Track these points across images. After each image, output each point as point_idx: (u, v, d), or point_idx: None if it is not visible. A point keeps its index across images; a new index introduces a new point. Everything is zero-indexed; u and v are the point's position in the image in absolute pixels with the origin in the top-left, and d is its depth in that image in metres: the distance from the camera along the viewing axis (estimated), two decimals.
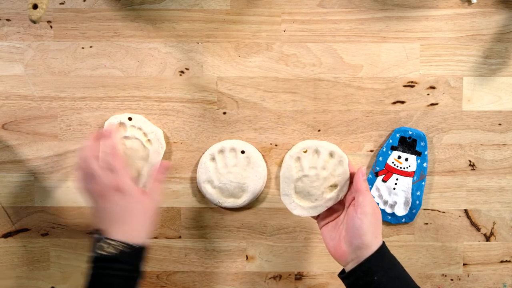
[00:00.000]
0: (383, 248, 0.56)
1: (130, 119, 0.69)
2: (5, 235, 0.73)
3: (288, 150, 0.71)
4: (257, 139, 0.71)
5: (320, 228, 0.62)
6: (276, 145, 0.71)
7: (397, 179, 0.71)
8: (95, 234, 0.58)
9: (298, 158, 0.62)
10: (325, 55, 0.70)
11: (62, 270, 0.73)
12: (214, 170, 0.70)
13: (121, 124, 0.69)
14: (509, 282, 0.73)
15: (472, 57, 0.70)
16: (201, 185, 0.70)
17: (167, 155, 0.71)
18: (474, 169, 0.72)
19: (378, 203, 0.71)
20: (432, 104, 0.71)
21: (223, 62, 0.71)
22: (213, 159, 0.70)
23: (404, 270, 0.57)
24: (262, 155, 0.71)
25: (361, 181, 0.58)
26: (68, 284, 0.73)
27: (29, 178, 0.72)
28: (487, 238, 0.72)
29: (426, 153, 0.70)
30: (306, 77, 0.71)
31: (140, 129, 0.69)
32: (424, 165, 0.70)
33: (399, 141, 0.70)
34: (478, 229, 0.72)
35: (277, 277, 0.73)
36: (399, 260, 0.72)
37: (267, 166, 0.71)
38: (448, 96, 0.71)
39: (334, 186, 0.62)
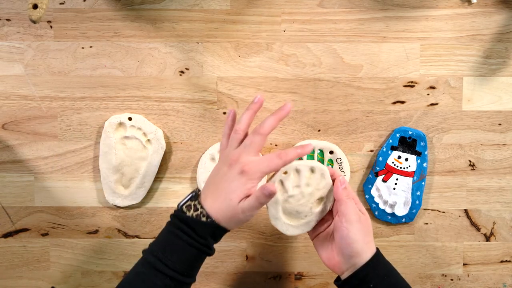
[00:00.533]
0: (377, 255, 0.56)
1: (130, 119, 0.69)
2: (5, 235, 0.73)
3: None
4: None
5: (312, 240, 0.61)
6: (276, 145, 0.71)
7: (397, 179, 0.71)
8: (195, 194, 0.56)
9: (280, 181, 0.60)
10: (325, 55, 0.70)
11: (62, 270, 0.73)
12: None
13: (121, 124, 0.69)
14: (509, 282, 0.73)
15: (472, 57, 0.70)
16: (201, 185, 0.70)
17: (167, 155, 0.71)
18: (474, 169, 0.72)
19: (378, 203, 0.71)
20: (432, 104, 0.71)
21: (223, 62, 0.71)
22: (213, 159, 0.70)
23: (401, 277, 0.57)
24: (262, 155, 0.71)
25: (339, 190, 0.57)
26: (68, 284, 0.73)
27: (29, 178, 0.72)
28: (487, 238, 0.72)
29: (426, 153, 0.70)
30: (306, 77, 0.71)
31: (140, 129, 0.69)
32: (424, 165, 0.70)
33: (399, 141, 0.70)
34: (478, 229, 0.72)
35: (277, 277, 0.73)
36: (399, 260, 0.72)
37: None
38: (448, 96, 0.71)
39: (321, 199, 0.61)
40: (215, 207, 0.55)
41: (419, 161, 0.70)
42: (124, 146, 0.68)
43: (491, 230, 0.72)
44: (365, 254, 0.55)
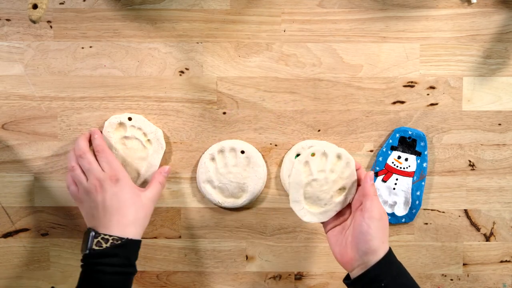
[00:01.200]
0: (390, 254, 0.56)
1: (130, 119, 0.69)
2: (5, 235, 0.73)
3: (288, 150, 0.71)
4: (257, 139, 0.71)
5: (326, 232, 0.61)
6: (276, 145, 0.71)
7: (397, 179, 0.71)
8: (87, 233, 0.59)
9: (307, 162, 0.60)
10: (325, 55, 0.70)
11: (62, 270, 0.73)
12: (214, 170, 0.70)
13: (121, 124, 0.69)
14: (509, 282, 0.73)
15: (472, 57, 0.70)
16: (201, 185, 0.70)
17: (167, 155, 0.71)
18: (474, 169, 0.72)
19: None
20: (432, 104, 0.71)
21: (223, 62, 0.71)
22: (213, 159, 0.70)
23: (411, 278, 0.57)
24: (262, 155, 0.71)
25: (369, 185, 0.57)
26: (68, 284, 0.73)
27: (29, 178, 0.72)
28: (487, 238, 0.72)
29: (426, 153, 0.70)
30: (306, 77, 0.71)
31: (140, 129, 0.69)
32: (424, 165, 0.70)
33: (399, 141, 0.70)
34: (478, 229, 0.72)
35: (277, 277, 0.73)
36: (400, 259, 0.72)
37: (267, 166, 0.71)
38: (448, 96, 0.71)
39: (343, 189, 0.61)
40: (123, 222, 0.58)
41: (419, 161, 0.70)
42: (124, 146, 0.68)
43: (491, 230, 0.72)
44: (379, 252, 0.55)
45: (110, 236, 0.57)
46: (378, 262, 0.54)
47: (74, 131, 0.71)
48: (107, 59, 0.70)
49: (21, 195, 0.72)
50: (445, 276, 0.73)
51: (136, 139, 0.68)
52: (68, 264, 0.73)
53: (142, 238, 0.72)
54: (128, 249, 0.58)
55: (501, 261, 0.73)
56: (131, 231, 0.58)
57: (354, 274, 0.56)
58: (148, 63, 0.70)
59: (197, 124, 0.71)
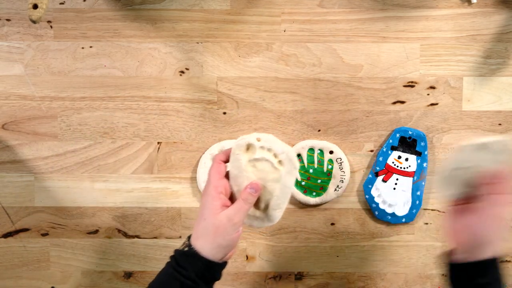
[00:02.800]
0: (497, 261, 0.55)
1: (258, 139, 0.60)
2: (5, 235, 0.73)
3: None
4: None
5: (453, 215, 0.58)
6: None
7: (397, 179, 0.71)
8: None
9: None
10: (325, 55, 0.70)
11: (62, 270, 0.73)
12: None
13: (250, 145, 0.61)
14: (509, 282, 0.73)
15: (472, 57, 0.70)
16: (202, 185, 0.70)
17: (167, 155, 0.71)
18: None
19: (378, 203, 0.71)
20: (432, 104, 0.71)
21: (223, 62, 0.71)
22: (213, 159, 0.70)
23: None
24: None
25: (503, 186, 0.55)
26: (68, 284, 0.73)
27: (29, 178, 0.72)
28: None
29: (426, 153, 0.70)
30: (306, 77, 0.71)
31: (270, 150, 0.61)
32: (424, 165, 0.70)
33: (399, 141, 0.70)
34: None
35: (277, 277, 0.73)
36: (399, 260, 0.72)
37: None
38: (448, 96, 0.71)
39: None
40: (197, 234, 0.55)
41: (419, 161, 0.70)
42: (254, 168, 0.60)
43: None
44: (493, 250, 0.54)
45: (187, 239, 0.56)
46: (488, 259, 0.54)
47: (74, 131, 0.71)
48: (107, 59, 0.70)
49: (21, 195, 0.72)
50: (445, 276, 0.73)
51: (267, 161, 0.60)
52: (68, 264, 0.73)
53: (142, 238, 0.73)
54: (190, 260, 0.55)
55: (501, 261, 0.73)
56: (199, 244, 0.55)
57: (459, 259, 0.55)
58: (148, 63, 0.70)
59: (197, 124, 0.71)
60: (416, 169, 0.70)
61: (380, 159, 0.71)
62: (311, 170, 0.70)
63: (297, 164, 0.60)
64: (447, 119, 0.71)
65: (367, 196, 0.71)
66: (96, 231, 0.73)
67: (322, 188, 0.71)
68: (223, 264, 0.56)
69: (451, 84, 0.71)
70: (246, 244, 0.73)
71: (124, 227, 0.72)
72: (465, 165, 0.55)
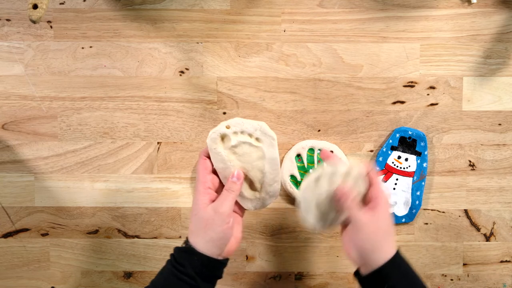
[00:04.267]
0: (395, 258, 0.55)
1: (228, 127, 0.61)
2: (5, 235, 0.73)
3: (288, 150, 0.71)
4: None
5: (341, 232, 0.60)
6: None
7: (397, 179, 0.71)
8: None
9: (317, 179, 0.59)
10: (325, 55, 0.70)
11: (62, 270, 0.73)
12: None
13: (223, 135, 0.61)
14: (509, 282, 0.73)
15: (472, 57, 0.70)
16: None
17: (167, 155, 0.71)
18: (474, 169, 0.72)
19: None
20: (432, 104, 0.71)
21: (223, 62, 0.71)
22: None
23: (419, 281, 0.56)
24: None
25: (345, 204, 0.56)
26: (68, 284, 0.73)
27: (29, 178, 0.72)
28: (487, 238, 0.72)
29: (426, 153, 0.70)
30: (306, 77, 0.71)
31: (243, 132, 0.61)
32: (424, 165, 0.70)
33: (399, 141, 0.70)
34: (478, 229, 0.72)
35: (277, 277, 0.73)
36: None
37: None
38: (448, 96, 0.71)
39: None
40: (191, 231, 0.56)
41: (419, 161, 0.70)
42: (236, 155, 0.61)
43: (491, 230, 0.72)
44: (379, 256, 0.54)
45: (187, 238, 0.57)
46: (382, 266, 0.54)
47: (74, 131, 0.71)
48: (107, 59, 0.70)
49: (21, 195, 0.72)
50: (445, 276, 0.73)
51: (245, 143, 0.61)
52: (68, 264, 0.73)
53: (142, 238, 0.73)
54: (187, 256, 0.55)
55: (501, 261, 0.73)
56: (193, 240, 0.56)
57: (362, 272, 0.56)
58: (148, 63, 0.70)
59: (197, 124, 0.71)
60: (416, 169, 0.70)
61: (380, 159, 0.71)
62: (311, 170, 0.70)
63: (274, 135, 0.61)
64: (447, 119, 0.71)
65: None
66: (96, 231, 0.73)
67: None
68: (222, 261, 0.56)
69: (451, 84, 0.71)
70: (246, 244, 0.73)
71: (124, 227, 0.72)
72: (312, 199, 0.59)
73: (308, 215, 0.59)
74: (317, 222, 0.60)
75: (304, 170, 0.71)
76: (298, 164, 0.71)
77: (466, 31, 0.70)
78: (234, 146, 0.61)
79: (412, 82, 0.71)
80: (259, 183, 0.62)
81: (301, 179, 0.71)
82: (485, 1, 0.70)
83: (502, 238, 0.72)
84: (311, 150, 0.70)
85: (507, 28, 0.70)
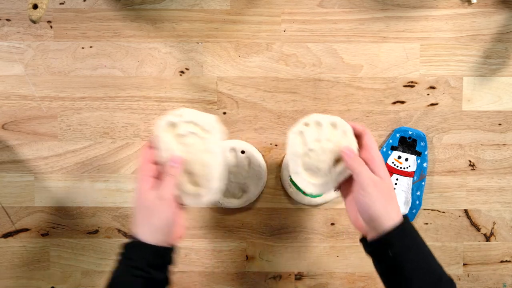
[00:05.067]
0: (403, 225, 0.54)
1: (179, 116, 0.60)
2: (5, 235, 0.73)
3: None
4: (257, 139, 0.71)
5: (344, 199, 0.60)
6: (276, 145, 0.71)
7: (397, 179, 0.71)
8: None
9: (301, 133, 0.59)
10: (325, 55, 0.70)
11: (62, 270, 0.73)
12: None
13: (171, 123, 0.61)
14: (509, 282, 0.73)
15: (472, 57, 0.70)
16: None
17: None
18: (474, 169, 0.72)
19: None
20: (432, 104, 0.71)
21: (223, 62, 0.71)
22: None
23: (427, 251, 0.55)
24: (262, 155, 0.71)
25: (349, 162, 0.56)
26: (68, 284, 0.73)
27: (29, 178, 0.72)
28: (487, 238, 0.72)
29: (426, 153, 0.70)
30: (306, 77, 0.71)
31: (192, 122, 0.61)
32: (424, 165, 0.70)
33: (399, 141, 0.70)
34: (478, 229, 0.72)
35: (277, 277, 0.73)
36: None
37: (267, 166, 0.71)
38: (448, 96, 0.71)
39: (342, 158, 0.59)
40: (135, 223, 0.55)
41: (419, 161, 0.70)
42: (182, 145, 0.61)
43: (491, 230, 0.72)
44: (386, 220, 0.54)
45: (130, 238, 0.56)
46: (387, 233, 0.53)
47: (74, 131, 0.71)
48: (107, 59, 0.70)
49: (21, 195, 0.72)
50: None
51: (193, 134, 0.61)
52: (68, 264, 0.73)
53: None
54: (136, 250, 0.55)
55: (501, 261, 0.73)
56: (139, 232, 0.55)
57: (368, 238, 0.56)
58: (148, 63, 0.70)
59: None
60: (416, 169, 0.70)
61: None
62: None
63: (222, 129, 0.60)
64: (447, 119, 0.71)
65: None
66: (96, 231, 0.73)
67: None
68: (171, 248, 0.56)
69: (451, 84, 0.71)
70: (246, 244, 0.73)
71: (124, 227, 0.72)
72: (300, 155, 0.58)
73: (298, 172, 0.58)
74: (308, 183, 0.58)
75: None
76: None
77: (466, 31, 0.70)
78: (182, 136, 0.60)
79: (412, 82, 0.71)
80: (201, 178, 0.60)
81: None
82: (485, 1, 0.70)
83: (502, 238, 0.72)
84: None
85: (507, 28, 0.70)
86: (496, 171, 0.72)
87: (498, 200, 0.72)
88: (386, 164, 0.71)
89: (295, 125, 0.59)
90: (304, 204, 0.72)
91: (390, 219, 0.54)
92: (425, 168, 0.70)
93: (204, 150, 0.60)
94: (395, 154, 0.71)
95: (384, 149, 0.71)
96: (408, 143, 0.70)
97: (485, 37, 0.70)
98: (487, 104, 0.71)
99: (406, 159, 0.71)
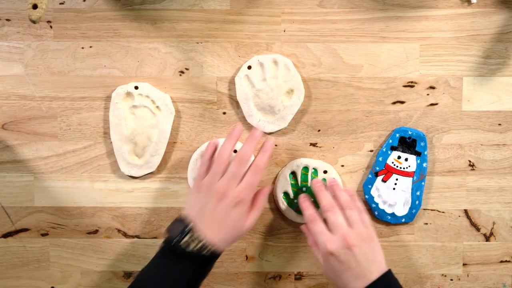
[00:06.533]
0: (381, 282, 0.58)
1: (136, 88, 0.69)
2: (5, 235, 0.73)
3: (288, 150, 0.71)
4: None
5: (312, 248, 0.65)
6: (276, 145, 0.71)
7: (396, 179, 0.71)
8: (182, 220, 0.59)
9: (246, 76, 0.65)
10: (325, 55, 0.70)
11: (62, 270, 0.73)
12: None
13: (129, 93, 0.68)
14: (509, 282, 0.73)
15: (472, 57, 0.70)
16: (192, 182, 0.70)
17: (167, 155, 0.71)
18: (474, 169, 0.72)
19: (377, 203, 0.71)
20: (432, 104, 0.71)
21: (223, 62, 0.71)
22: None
23: None
24: (255, 155, 0.71)
25: (310, 225, 0.63)
26: (68, 284, 0.73)
27: (29, 178, 0.72)
28: (487, 238, 0.73)
29: (426, 153, 0.70)
30: (306, 77, 0.71)
31: (148, 96, 0.68)
32: (424, 165, 0.70)
33: (399, 141, 0.70)
34: (478, 229, 0.72)
35: (277, 277, 0.73)
36: (399, 260, 0.72)
37: (267, 166, 0.71)
38: (448, 96, 0.71)
39: (290, 91, 0.66)
40: (220, 237, 0.58)
41: (419, 161, 0.70)
42: (133, 116, 0.68)
43: (491, 230, 0.72)
44: (355, 285, 0.57)
45: (205, 244, 0.58)
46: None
47: (74, 131, 0.71)
48: (107, 59, 0.70)
49: (21, 195, 0.72)
50: (445, 276, 0.73)
51: (145, 107, 0.68)
52: (68, 264, 0.73)
53: (142, 238, 0.73)
54: (209, 260, 0.59)
55: (501, 261, 0.73)
56: (220, 245, 0.59)
57: None
58: (148, 63, 0.70)
59: (197, 124, 0.71)
60: (416, 169, 0.70)
61: (380, 159, 0.71)
62: (304, 189, 0.70)
63: (173, 110, 0.66)
64: (447, 119, 0.71)
65: (366, 196, 0.71)
66: (96, 231, 0.73)
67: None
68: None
69: (451, 84, 0.71)
70: (246, 244, 0.73)
71: (124, 227, 0.73)
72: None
73: (252, 115, 0.65)
74: (265, 119, 0.66)
75: (297, 188, 0.70)
76: (292, 182, 0.70)
77: (466, 31, 0.70)
78: (135, 107, 0.67)
79: (412, 82, 0.71)
80: (143, 150, 0.68)
81: (294, 197, 0.70)
82: (485, 1, 0.70)
83: (502, 238, 0.72)
84: (306, 168, 0.70)
85: (507, 28, 0.70)
86: (496, 171, 0.72)
87: (498, 200, 0.72)
88: (386, 164, 0.71)
89: (239, 70, 0.66)
90: (297, 222, 0.71)
91: (359, 283, 0.57)
92: (425, 168, 0.70)
93: (151, 125, 0.68)
94: (394, 154, 0.71)
95: (384, 149, 0.71)
96: (408, 143, 0.70)
97: (485, 37, 0.70)
98: (487, 104, 0.71)
99: (406, 159, 0.71)
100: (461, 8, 0.70)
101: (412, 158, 0.70)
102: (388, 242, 0.72)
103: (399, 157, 0.71)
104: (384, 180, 0.71)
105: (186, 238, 0.57)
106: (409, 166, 0.71)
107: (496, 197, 0.72)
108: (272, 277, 0.73)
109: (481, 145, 0.71)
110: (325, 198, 0.63)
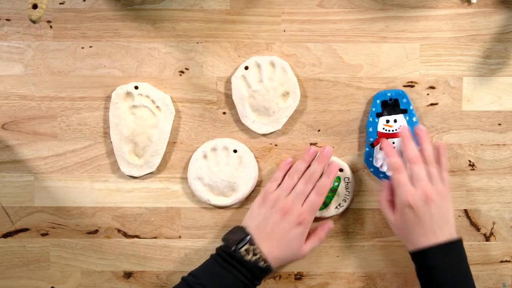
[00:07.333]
0: (448, 247, 0.59)
1: (136, 87, 0.69)
2: (5, 235, 0.73)
3: (288, 150, 0.71)
4: (257, 139, 0.71)
5: (382, 204, 0.66)
6: (276, 145, 0.71)
7: (393, 143, 0.69)
8: (242, 231, 0.61)
9: (243, 76, 0.66)
10: (325, 55, 0.70)
11: (62, 270, 0.73)
12: (205, 168, 0.70)
13: (128, 93, 0.68)
14: (509, 282, 0.73)
15: (472, 57, 0.70)
16: (191, 182, 0.70)
17: (167, 155, 0.71)
18: (474, 169, 0.72)
19: (384, 172, 0.69)
20: (432, 104, 0.71)
21: (223, 62, 0.71)
22: (205, 156, 0.70)
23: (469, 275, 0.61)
24: (259, 155, 0.71)
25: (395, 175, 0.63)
26: (68, 284, 0.73)
27: (29, 178, 0.72)
28: (487, 238, 0.72)
29: (411, 108, 0.69)
30: (306, 77, 0.71)
31: (147, 96, 0.68)
32: (414, 119, 0.69)
33: (382, 106, 0.69)
34: (478, 229, 0.72)
35: (277, 277, 0.73)
36: (399, 260, 0.72)
37: (265, 167, 0.71)
38: (448, 96, 0.71)
39: (286, 94, 0.66)
40: (275, 254, 0.60)
41: (407, 117, 0.69)
42: (133, 116, 0.68)
43: (491, 230, 0.72)
44: (421, 241, 0.59)
45: (262, 257, 0.59)
46: (425, 249, 0.59)
47: (74, 131, 0.71)
48: (107, 59, 0.70)
49: (21, 195, 0.72)
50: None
51: (145, 107, 0.68)
52: (68, 264, 0.73)
53: (142, 238, 0.73)
54: (262, 272, 0.60)
55: (501, 261, 0.73)
56: (273, 260, 0.61)
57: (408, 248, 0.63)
58: (148, 63, 0.71)
59: (197, 124, 0.71)
60: (408, 127, 0.69)
61: (370, 129, 0.69)
62: None
63: (173, 110, 0.68)
64: (447, 119, 0.71)
65: (371, 169, 0.70)
66: (96, 231, 0.73)
67: (324, 203, 0.70)
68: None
69: (451, 84, 0.71)
70: None
71: (124, 227, 0.72)
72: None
73: (247, 115, 0.65)
74: (260, 120, 0.67)
75: None
76: None
77: (466, 31, 0.70)
78: (135, 107, 0.67)
79: (412, 82, 0.71)
80: (143, 150, 0.68)
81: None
82: (485, 1, 0.70)
83: (502, 238, 0.72)
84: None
85: (507, 28, 0.70)
86: (496, 171, 0.72)
87: (498, 200, 0.72)
88: (378, 132, 0.69)
89: (236, 70, 0.67)
90: None
91: (427, 240, 0.59)
92: (416, 122, 0.69)
93: (151, 125, 0.68)
94: (382, 119, 0.69)
95: (371, 119, 0.69)
96: (391, 104, 0.69)
97: (485, 37, 0.70)
98: (487, 104, 0.71)
99: (395, 120, 0.69)
100: (461, 8, 0.70)
101: (400, 118, 0.69)
102: (388, 242, 0.72)
103: (387, 121, 0.69)
104: (381, 148, 0.69)
105: (244, 248, 0.58)
106: (400, 126, 0.69)
107: (496, 197, 0.72)
108: (272, 277, 0.73)
109: (481, 145, 0.71)
110: (411, 148, 0.63)
